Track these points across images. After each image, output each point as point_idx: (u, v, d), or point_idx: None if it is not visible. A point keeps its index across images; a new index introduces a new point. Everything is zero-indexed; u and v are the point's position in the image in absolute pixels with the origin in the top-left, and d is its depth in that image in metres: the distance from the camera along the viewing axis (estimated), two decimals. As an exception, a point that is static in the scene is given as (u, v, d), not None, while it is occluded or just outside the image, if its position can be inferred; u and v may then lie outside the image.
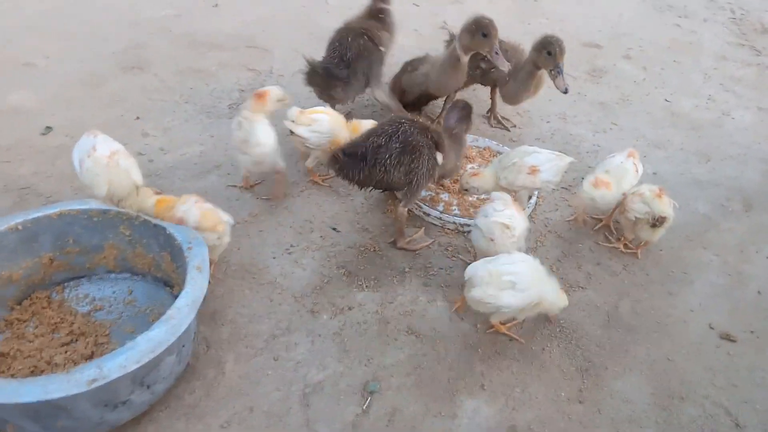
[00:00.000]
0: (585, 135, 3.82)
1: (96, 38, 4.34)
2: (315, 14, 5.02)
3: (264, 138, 2.88)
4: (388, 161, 2.65)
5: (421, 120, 2.81)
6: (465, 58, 3.25)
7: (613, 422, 2.25)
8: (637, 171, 3.03)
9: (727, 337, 2.62)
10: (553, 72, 3.18)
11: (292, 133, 3.03)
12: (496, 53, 3.16)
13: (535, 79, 3.33)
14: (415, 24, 4.95)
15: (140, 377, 1.96)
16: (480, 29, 3.10)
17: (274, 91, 2.95)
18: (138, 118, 3.58)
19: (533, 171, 2.86)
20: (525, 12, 5.45)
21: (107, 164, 2.44)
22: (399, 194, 2.89)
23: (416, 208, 3.08)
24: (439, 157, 2.77)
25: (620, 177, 2.96)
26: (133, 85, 3.88)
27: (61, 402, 1.79)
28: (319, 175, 3.23)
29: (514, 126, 3.86)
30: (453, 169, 2.98)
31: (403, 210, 2.80)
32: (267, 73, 4.15)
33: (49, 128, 3.41)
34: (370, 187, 2.81)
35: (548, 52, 3.14)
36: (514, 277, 2.31)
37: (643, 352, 2.52)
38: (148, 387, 2.02)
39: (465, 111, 2.96)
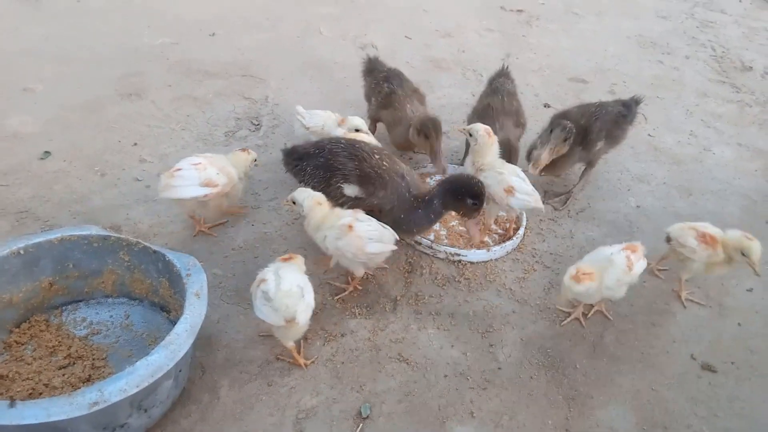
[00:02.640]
0: (571, 169, 3.92)
1: (94, 64, 4.42)
2: (308, 44, 5.14)
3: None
4: (308, 168, 2.91)
5: (366, 149, 2.88)
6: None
7: (599, 450, 2.32)
8: (630, 268, 2.65)
9: (709, 368, 2.70)
10: (431, 156, 3.33)
11: None
12: (435, 155, 3.29)
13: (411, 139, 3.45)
14: (407, 56, 5.07)
15: (138, 401, 2.00)
16: (422, 130, 3.27)
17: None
18: (135, 144, 3.65)
19: (509, 190, 2.95)
20: (513, 46, 5.60)
21: (213, 159, 2.90)
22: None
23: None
24: (351, 189, 2.83)
25: (604, 268, 2.65)
26: (131, 111, 3.95)
27: (62, 424, 1.84)
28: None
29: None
30: (410, 229, 2.92)
31: None
32: (262, 101, 4.24)
33: (47, 153, 3.47)
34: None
35: (425, 135, 3.27)
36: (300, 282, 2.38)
37: (627, 381, 2.59)
38: (146, 411, 2.06)
39: (455, 208, 2.83)
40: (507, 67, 3.96)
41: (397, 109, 3.57)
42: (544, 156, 3.26)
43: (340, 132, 3.35)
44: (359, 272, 2.73)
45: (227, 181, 2.88)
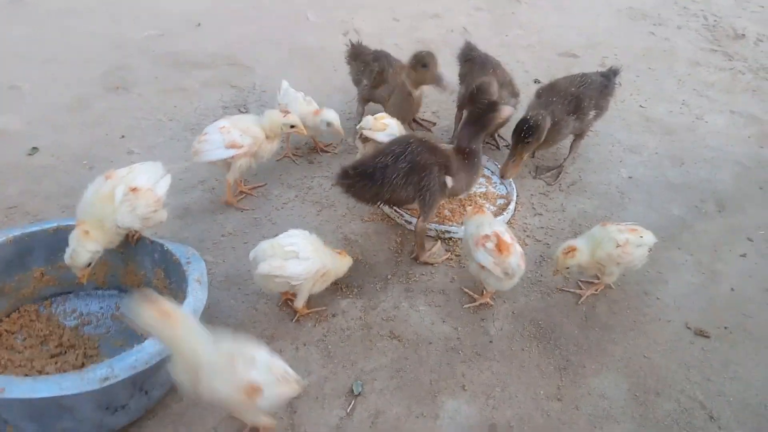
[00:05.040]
0: (562, 142, 3.90)
1: (80, 61, 4.41)
2: (296, 31, 5.11)
3: None
4: (395, 181, 2.73)
5: (431, 140, 2.90)
6: (416, 92, 3.47)
7: (591, 418, 2.32)
8: None
9: (702, 333, 2.69)
10: (438, 80, 3.36)
11: (365, 140, 3.22)
12: (439, 79, 3.34)
13: (413, 97, 3.49)
14: (395, 38, 5.05)
15: (141, 381, 2.02)
16: (420, 62, 3.33)
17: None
18: (123, 137, 3.65)
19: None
20: (502, 24, 5.57)
21: (237, 120, 3.06)
22: (417, 210, 2.96)
23: (398, 217, 3.15)
24: (449, 180, 2.83)
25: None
26: (118, 105, 3.95)
27: (68, 402, 1.86)
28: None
29: (434, 124, 4.06)
30: (463, 188, 3.01)
31: (422, 224, 2.87)
32: (250, 89, 4.23)
33: (35, 149, 3.47)
34: (379, 203, 2.91)
35: (423, 65, 3.32)
36: (295, 247, 2.42)
37: (619, 350, 2.59)
38: (146, 393, 2.08)
39: (478, 126, 2.92)
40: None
41: (390, 83, 3.62)
42: (510, 170, 3.24)
43: (300, 112, 3.34)
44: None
45: (252, 141, 3.01)
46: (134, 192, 2.37)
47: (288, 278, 2.39)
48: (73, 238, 2.28)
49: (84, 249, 2.26)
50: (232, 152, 2.95)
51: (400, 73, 3.59)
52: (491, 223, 2.62)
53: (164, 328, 1.78)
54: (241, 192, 3.26)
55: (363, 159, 2.87)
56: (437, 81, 3.38)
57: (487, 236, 2.54)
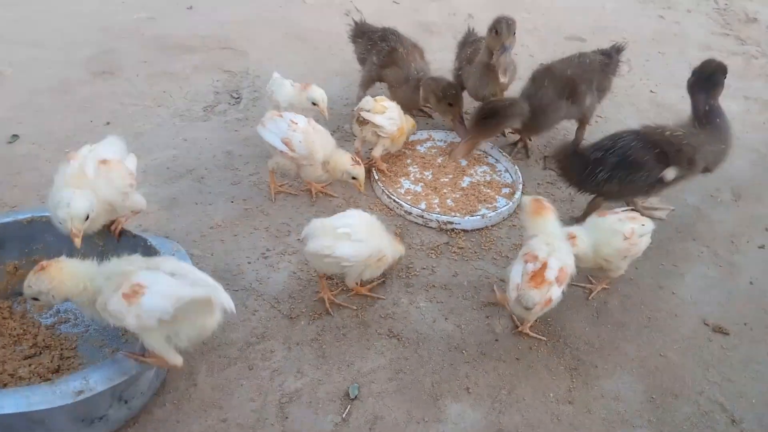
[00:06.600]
0: (571, 128, 3.73)
1: (65, 45, 4.21)
2: (291, 14, 4.92)
3: None
4: (600, 174, 2.67)
5: (657, 131, 2.74)
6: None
7: (604, 422, 2.16)
8: None
9: (720, 330, 2.55)
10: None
11: (362, 123, 3.06)
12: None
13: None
14: (395, 21, 4.83)
15: (120, 391, 1.87)
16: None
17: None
18: (108, 123, 3.47)
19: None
20: (506, 6, 5.35)
21: (313, 129, 2.82)
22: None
23: (397, 207, 2.99)
24: (670, 172, 2.68)
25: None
26: (104, 90, 3.76)
27: (40, 415, 1.72)
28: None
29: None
30: (711, 161, 2.88)
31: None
32: (243, 74, 4.05)
33: (15, 136, 3.30)
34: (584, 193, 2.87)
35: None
36: (349, 229, 2.28)
37: (633, 348, 2.44)
38: (126, 402, 1.93)
39: (709, 84, 2.93)
40: (473, 30, 3.76)
41: (401, 67, 3.43)
42: (459, 152, 3.10)
43: (289, 96, 3.14)
44: None
45: (305, 154, 2.78)
46: (105, 165, 2.16)
47: (338, 259, 2.25)
48: (66, 195, 2.03)
49: (82, 198, 2.04)
50: (281, 148, 2.78)
51: (412, 54, 3.43)
52: (562, 253, 2.24)
53: (49, 280, 1.83)
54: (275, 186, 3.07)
55: (588, 146, 2.84)
56: (456, 122, 3.23)
57: (536, 257, 2.19)
